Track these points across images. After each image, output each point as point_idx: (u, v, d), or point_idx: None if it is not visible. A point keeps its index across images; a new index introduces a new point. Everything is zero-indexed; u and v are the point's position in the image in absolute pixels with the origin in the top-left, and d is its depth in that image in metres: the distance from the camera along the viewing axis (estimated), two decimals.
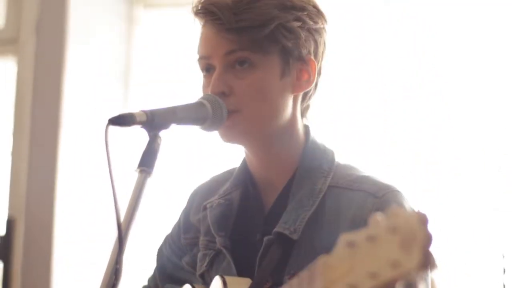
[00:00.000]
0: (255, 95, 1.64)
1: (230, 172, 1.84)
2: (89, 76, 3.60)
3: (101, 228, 3.44)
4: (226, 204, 1.77)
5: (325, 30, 1.72)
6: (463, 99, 3.20)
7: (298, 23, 1.64)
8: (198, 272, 1.78)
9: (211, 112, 1.59)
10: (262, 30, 1.61)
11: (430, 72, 3.25)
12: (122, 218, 1.43)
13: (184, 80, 3.60)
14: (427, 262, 0.98)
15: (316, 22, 1.68)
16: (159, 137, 1.50)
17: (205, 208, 1.80)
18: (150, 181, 1.48)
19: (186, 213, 1.89)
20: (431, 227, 0.99)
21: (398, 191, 1.65)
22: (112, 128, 1.44)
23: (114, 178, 1.42)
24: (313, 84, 1.71)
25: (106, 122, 1.44)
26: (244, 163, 1.78)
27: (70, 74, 3.48)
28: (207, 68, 1.68)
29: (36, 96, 3.51)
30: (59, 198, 3.43)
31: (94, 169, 3.45)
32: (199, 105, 1.59)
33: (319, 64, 1.71)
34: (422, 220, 0.99)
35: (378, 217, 1.04)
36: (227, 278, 1.65)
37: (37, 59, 3.52)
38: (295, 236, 1.62)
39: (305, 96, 1.73)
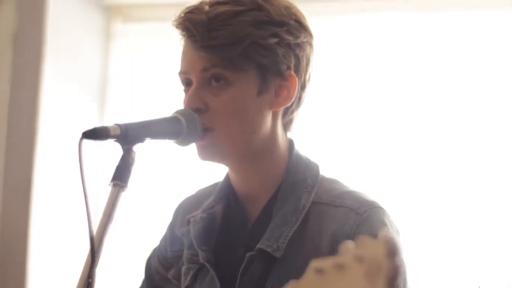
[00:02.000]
0: (230, 113, 1.63)
1: (215, 185, 1.83)
2: (66, 90, 3.60)
3: (75, 242, 3.43)
4: (209, 219, 1.75)
5: (309, 44, 1.69)
6: (454, 116, 3.23)
7: (275, 40, 1.63)
8: (183, 286, 1.77)
9: (185, 127, 1.59)
10: (235, 48, 1.60)
11: (419, 85, 3.28)
12: (95, 232, 1.43)
13: (162, 95, 3.60)
14: None
15: (297, 37, 1.66)
16: (133, 151, 1.50)
17: (188, 222, 1.79)
18: (124, 195, 1.48)
19: (171, 226, 1.88)
20: (399, 258, 0.98)
21: (381, 208, 1.64)
22: (86, 141, 1.44)
23: (87, 192, 1.42)
24: (295, 99, 1.69)
25: (80, 135, 1.44)
26: (227, 177, 1.77)
27: (47, 87, 3.48)
28: (187, 83, 1.68)
29: (12, 109, 3.50)
30: (34, 212, 3.42)
31: (69, 183, 3.44)
32: (173, 119, 1.59)
33: (302, 79, 1.69)
34: (390, 250, 0.98)
35: (349, 245, 1.04)
36: None
37: (14, 71, 3.51)
38: (278, 254, 1.61)
39: (286, 111, 1.71)
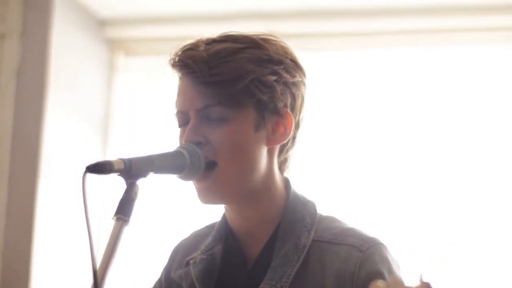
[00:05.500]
0: (230, 146, 1.63)
1: (211, 227, 1.82)
2: (69, 123, 3.61)
3: (78, 276, 3.42)
4: (209, 260, 1.74)
5: (303, 84, 1.71)
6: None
7: (274, 77, 1.64)
8: None
9: (189, 161, 1.59)
10: (237, 84, 1.61)
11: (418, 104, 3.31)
12: (98, 266, 1.43)
13: (164, 128, 3.61)
14: None
15: (293, 76, 1.67)
16: (137, 185, 1.50)
17: (187, 264, 1.78)
18: (126, 229, 1.48)
19: (167, 270, 1.86)
20: None
21: (382, 244, 1.64)
22: (89, 175, 1.44)
23: (90, 226, 1.42)
24: (290, 137, 1.69)
25: (84, 169, 1.44)
26: (224, 217, 1.77)
27: (50, 121, 3.49)
28: (183, 122, 1.67)
29: (15, 141, 3.51)
30: (37, 246, 3.41)
31: (71, 217, 3.43)
32: (177, 154, 1.59)
33: (296, 117, 1.70)
34: None
35: (380, 284, 1.04)
36: None
37: (17, 105, 3.52)
38: None
39: (282, 149, 1.71)
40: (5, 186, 3.48)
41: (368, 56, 3.42)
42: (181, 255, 1.84)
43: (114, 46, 3.80)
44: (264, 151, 1.67)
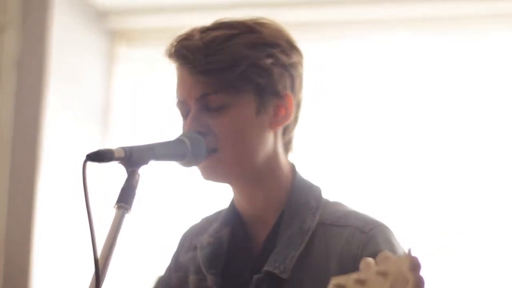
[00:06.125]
0: (232, 133, 1.64)
1: (219, 212, 1.83)
2: (69, 114, 3.60)
3: (79, 265, 3.42)
4: (216, 243, 1.75)
5: (300, 64, 1.72)
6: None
7: (270, 60, 1.65)
8: None
9: (190, 149, 1.59)
10: (234, 70, 1.62)
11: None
12: (99, 255, 1.42)
13: (164, 119, 3.61)
14: None
15: (290, 57, 1.68)
16: (138, 173, 1.50)
17: (195, 248, 1.79)
18: (128, 218, 1.48)
19: (176, 254, 1.88)
20: (422, 271, 0.99)
21: (386, 226, 1.65)
22: (90, 164, 1.44)
23: (91, 215, 1.42)
24: (292, 118, 1.70)
25: (84, 157, 1.43)
26: (232, 202, 1.78)
27: (50, 111, 3.48)
28: (187, 113, 1.68)
29: (16, 132, 3.51)
30: (37, 236, 3.42)
31: (72, 206, 3.43)
32: (178, 141, 1.59)
33: (296, 98, 1.71)
34: (415, 265, 0.99)
35: (370, 261, 1.04)
36: None
37: (17, 96, 3.52)
38: (284, 275, 1.61)
39: (285, 130, 1.72)
40: (6, 177, 3.48)
41: (369, 45, 3.40)
42: (190, 239, 1.85)
43: (114, 36, 3.79)
44: (267, 134, 1.68)
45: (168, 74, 3.85)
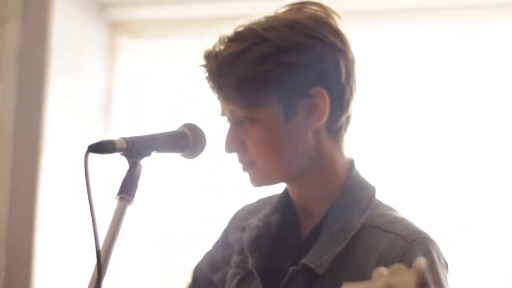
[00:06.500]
0: (264, 147, 1.65)
1: (274, 195, 1.84)
2: (71, 106, 3.60)
3: (81, 256, 3.42)
4: (264, 227, 1.76)
5: (327, 51, 1.64)
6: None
7: (282, 67, 1.61)
8: None
9: (191, 140, 1.59)
10: (245, 90, 1.62)
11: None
12: (101, 246, 1.43)
13: (166, 110, 3.60)
14: None
15: (310, 53, 1.63)
16: (140, 164, 1.50)
17: (244, 229, 1.81)
18: (130, 209, 1.48)
19: (226, 231, 1.90)
20: None
21: (430, 239, 1.62)
22: (92, 155, 1.44)
23: (93, 206, 1.42)
24: (334, 107, 1.65)
25: (86, 149, 1.43)
26: (286, 189, 1.79)
27: (52, 103, 3.48)
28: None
29: (17, 124, 3.51)
30: (40, 227, 3.42)
31: (74, 198, 3.44)
32: (180, 133, 1.60)
33: (334, 86, 1.65)
34: (420, 282, 0.99)
35: (383, 271, 1.04)
36: None
37: (19, 87, 3.52)
38: (320, 271, 1.60)
39: (329, 123, 1.68)
40: (8, 168, 3.49)
41: (368, 35, 3.39)
42: (240, 219, 1.87)
43: (116, 28, 3.78)
44: (305, 134, 1.66)
45: (169, 65, 3.85)
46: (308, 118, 1.65)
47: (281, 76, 1.61)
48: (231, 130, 1.68)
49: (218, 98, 1.67)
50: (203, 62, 1.67)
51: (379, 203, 1.71)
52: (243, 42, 1.63)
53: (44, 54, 3.49)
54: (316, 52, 1.63)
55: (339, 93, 1.67)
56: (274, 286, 1.65)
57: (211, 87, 1.66)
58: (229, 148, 1.68)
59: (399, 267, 1.03)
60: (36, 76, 3.50)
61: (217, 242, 1.91)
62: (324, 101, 1.64)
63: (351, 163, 1.73)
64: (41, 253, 3.43)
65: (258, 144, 1.65)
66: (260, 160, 1.65)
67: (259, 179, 1.69)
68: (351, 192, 1.69)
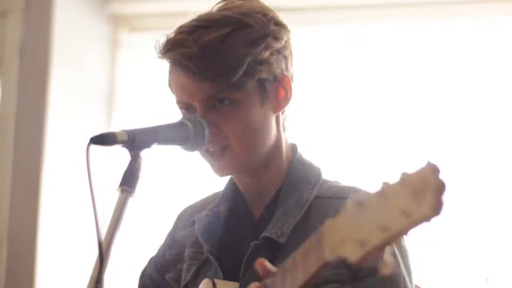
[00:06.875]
0: (243, 132, 1.66)
1: (217, 193, 1.87)
2: (73, 99, 3.61)
3: (83, 247, 3.43)
4: (214, 216, 1.79)
5: (289, 41, 1.72)
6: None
7: (267, 52, 1.66)
8: (183, 283, 1.79)
9: (193, 132, 1.60)
10: (236, 72, 1.63)
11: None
12: (103, 238, 1.43)
13: (168, 103, 3.60)
14: (439, 208, 0.98)
15: (281, 40, 1.69)
16: (141, 156, 1.50)
17: (193, 223, 1.82)
18: (131, 201, 1.48)
19: (172, 232, 1.91)
20: (443, 176, 0.99)
21: None
22: (93, 147, 1.44)
23: (95, 198, 1.42)
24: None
25: (88, 141, 1.44)
26: (231, 180, 1.81)
27: (54, 96, 3.49)
28: (186, 107, 1.70)
29: (19, 118, 3.51)
30: (42, 218, 3.43)
31: (76, 189, 3.44)
32: (181, 125, 1.60)
33: (290, 74, 1.73)
34: (434, 169, 0.99)
35: (388, 179, 1.04)
36: (216, 281, 1.66)
37: (21, 81, 3.52)
38: (282, 240, 1.64)
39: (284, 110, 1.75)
40: (10, 163, 3.49)
41: (366, 30, 3.39)
42: (186, 217, 1.88)
43: (117, 22, 3.78)
44: (272, 119, 1.71)
45: None
46: (277, 102, 1.70)
47: (266, 59, 1.65)
48: (203, 112, 1.65)
49: (195, 82, 1.64)
50: (172, 48, 1.67)
51: (326, 180, 1.76)
52: (223, 27, 1.65)
53: (46, 47, 3.50)
54: (284, 40, 1.70)
55: (291, 79, 1.74)
56: (233, 268, 1.68)
57: (189, 70, 1.64)
58: None
59: (406, 172, 1.03)
60: (38, 70, 3.50)
61: (163, 245, 1.91)
62: (290, 86, 1.71)
63: (294, 147, 1.78)
64: (44, 246, 3.44)
65: (236, 127, 1.65)
66: (236, 144, 1.66)
67: (231, 166, 1.68)
68: (299, 171, 1.74)
